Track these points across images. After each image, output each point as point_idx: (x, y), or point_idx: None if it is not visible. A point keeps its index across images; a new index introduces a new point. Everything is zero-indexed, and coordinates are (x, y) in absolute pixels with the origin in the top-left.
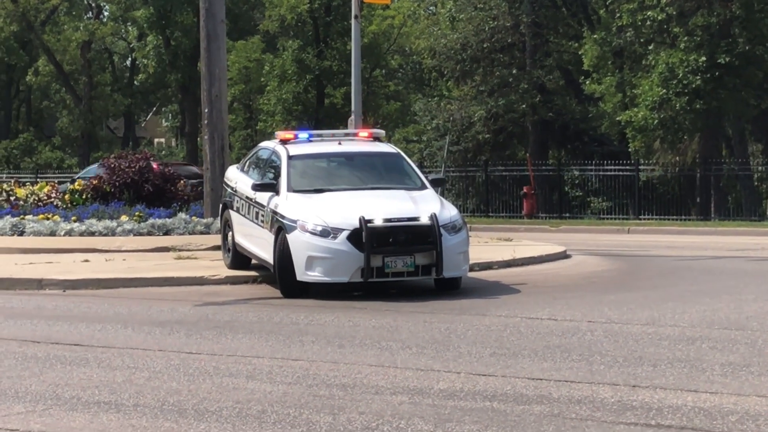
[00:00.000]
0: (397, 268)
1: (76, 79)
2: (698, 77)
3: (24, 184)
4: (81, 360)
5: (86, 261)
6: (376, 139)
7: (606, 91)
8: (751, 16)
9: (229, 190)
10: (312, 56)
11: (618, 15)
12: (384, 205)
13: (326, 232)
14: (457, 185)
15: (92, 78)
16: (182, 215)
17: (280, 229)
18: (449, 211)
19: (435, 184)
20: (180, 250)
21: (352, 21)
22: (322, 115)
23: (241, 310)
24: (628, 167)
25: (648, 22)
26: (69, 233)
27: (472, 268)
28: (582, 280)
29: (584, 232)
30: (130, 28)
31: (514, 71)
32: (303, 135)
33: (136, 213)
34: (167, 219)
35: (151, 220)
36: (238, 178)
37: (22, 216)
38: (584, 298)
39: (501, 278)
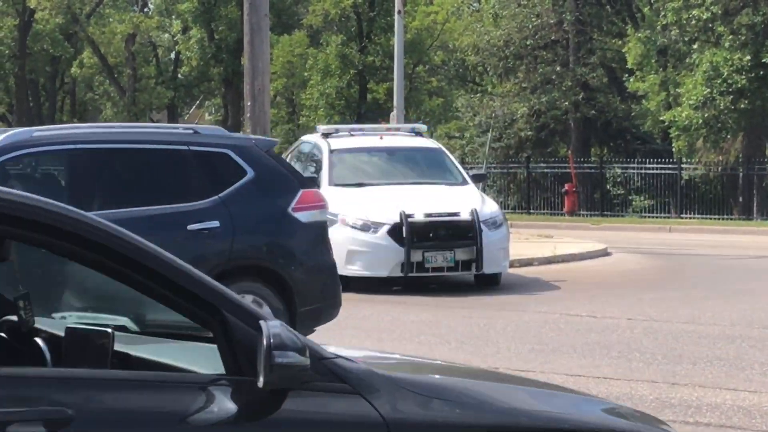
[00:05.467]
0: (437, 263)
1: (120, 72)
2: (743, 76)
3: None
4: None
5: None
6: (418, 134)
7: (649, 90)
8: None
9: None
10: (355, 51)
11: (662, 13)
12: (425, 200)
13: (367, 227)
14: (498, 182)
15: (136, 71)
16: None
17: None
18: (490, 207)
19: (476, 179)
20: None
21: (396, 16)
22: (364, 110)
23: None
24: (670, 166)
25: (693, 21)
26: None
27: (512, 264)
28: (622, 277)
29: (625, 230)
30: (174, 22)
31: (558, 68)
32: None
33: None
34: None
35: None
36: None
37: None
38: (624, 295)
39: (541, 275)
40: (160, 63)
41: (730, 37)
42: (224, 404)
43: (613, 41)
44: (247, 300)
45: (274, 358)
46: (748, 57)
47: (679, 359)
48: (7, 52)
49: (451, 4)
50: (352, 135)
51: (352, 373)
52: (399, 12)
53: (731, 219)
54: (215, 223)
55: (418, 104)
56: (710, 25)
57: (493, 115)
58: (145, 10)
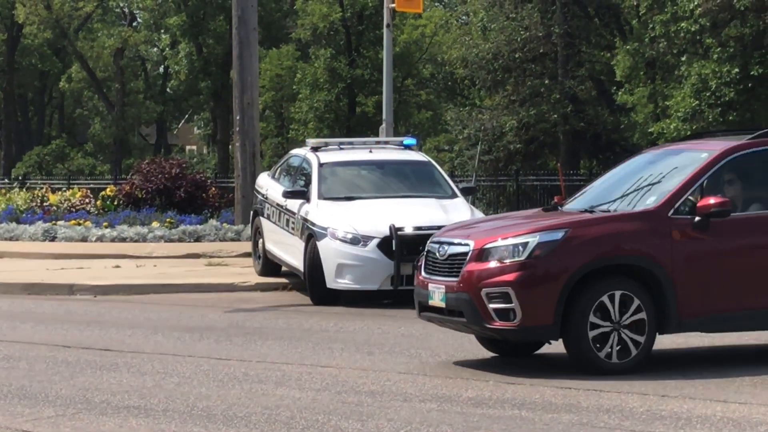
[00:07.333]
0: None
1: (109, 86)
2: (731, 89)
3: (56, 191)
4: (111, 365)
5: (117, 267)
6: (407, 147)
7: (638, 102)
8: None
9: (259, 197)
10: (344, 65)
11: (651, 26)
12: (414, 213)
13: (356, 240)
14: (488, 195)
15: (125, 85)
16: (213, 222)
17: (311, 236)
18: None
19: (465, 192)
20: (211, 257)
21: (384, 30)
22: (353, 123)
23: (270, 317)
24: None
25: (681, 33)
26: (100, 239)
27: None
28: None
29: None
30: (162, 36)
31: (546, 81)
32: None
33: (168, 219)
34: (198, 225)
35: (182, 227)
36: (269, 186)
37: (53, 222)
38: None
39: None
40: (148, 77)
41: (719, 49)
42: None
43: (602, 54)
44: None
45: None
46: (737, 69)
47: (669, 371)
48: None
49: (439, 17)
50: (341, 149)
51: None
52: (387, 25)
53: None
54: None
55: (407, 117)
56: (698, 38)
57: (482, 128)
58: (134, 24)
